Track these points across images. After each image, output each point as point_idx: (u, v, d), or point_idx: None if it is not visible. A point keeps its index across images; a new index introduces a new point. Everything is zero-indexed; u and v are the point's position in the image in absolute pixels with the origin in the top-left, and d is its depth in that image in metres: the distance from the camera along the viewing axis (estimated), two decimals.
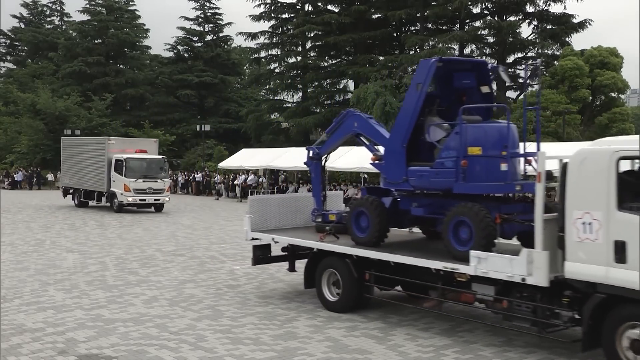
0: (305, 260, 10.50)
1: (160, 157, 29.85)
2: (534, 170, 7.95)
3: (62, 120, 56.25)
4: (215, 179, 42.56)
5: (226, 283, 11.88)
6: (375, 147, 10.41)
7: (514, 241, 8.78)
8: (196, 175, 45.91)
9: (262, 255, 10.91)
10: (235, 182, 39.89)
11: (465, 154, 8.36)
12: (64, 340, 8.06)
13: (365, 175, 37.71)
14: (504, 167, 8.24)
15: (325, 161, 11.24)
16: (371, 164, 10.32)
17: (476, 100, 9.33)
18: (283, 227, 11.09)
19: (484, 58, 51.33)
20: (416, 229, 10.64)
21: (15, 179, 51.61)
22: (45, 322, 8.91)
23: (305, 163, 11.46)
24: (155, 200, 28.07)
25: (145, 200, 27.73)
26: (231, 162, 40.12)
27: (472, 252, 7.90)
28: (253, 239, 10.82)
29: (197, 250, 16.31)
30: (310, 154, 11.19)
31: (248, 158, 37.14)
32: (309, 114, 53.94)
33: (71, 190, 31.76)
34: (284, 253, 10.98)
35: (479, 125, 8.76)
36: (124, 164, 27.20)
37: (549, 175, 7.73)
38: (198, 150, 56.28)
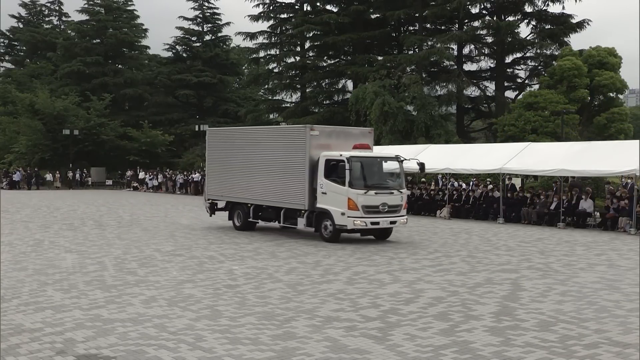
0: None
1: (393, 155, 19.05)
2: None
3: (60, 120, 56.38)
4: None
5: (225, 283, 11.87)
6: None
7: None
8: (194, 176, 45.87)
9: None
10: None
11: None
12: (63, 340, 8.05)
13: None
14: None
15: None
16: None
17: None
18: None
19: (482, 58, 51.39)
20: None
21: (14, 179, 51.59)
22: (43, 322, 8.89)
23: None
24: (390, 223, 18.00)
25: (378, 223, 17.72)
26: None
27: None
28: None
29: (196, 250, 16.29)
30: None
31: None
32: (308, 114, 54.01)
33: (219, 205, 22.50)
34: None
35: None
36: (348, 167, 17.27)
37: None
38: (197, 150, 56.30)
